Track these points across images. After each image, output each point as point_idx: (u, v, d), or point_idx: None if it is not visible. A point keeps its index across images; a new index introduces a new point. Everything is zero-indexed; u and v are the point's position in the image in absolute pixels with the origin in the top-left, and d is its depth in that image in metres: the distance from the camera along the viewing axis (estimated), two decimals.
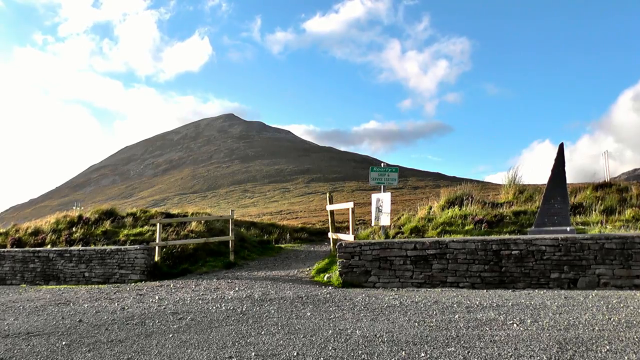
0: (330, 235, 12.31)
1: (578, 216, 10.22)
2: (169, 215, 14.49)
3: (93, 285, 10.20)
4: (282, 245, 15.59)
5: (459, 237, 8.81)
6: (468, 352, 3.76)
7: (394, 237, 10.41)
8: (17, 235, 14.74)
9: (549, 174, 8.92)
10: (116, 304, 6.81)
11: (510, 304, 5.67)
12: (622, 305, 5.37)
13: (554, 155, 9.01)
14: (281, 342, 4.27)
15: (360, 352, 3.88)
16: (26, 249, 12.62)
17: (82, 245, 12.95)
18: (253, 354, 3.93)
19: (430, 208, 11.95)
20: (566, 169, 8.84)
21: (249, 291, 7.57)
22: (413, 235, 10.34)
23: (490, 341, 4.04)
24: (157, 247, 11.53)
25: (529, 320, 4.74)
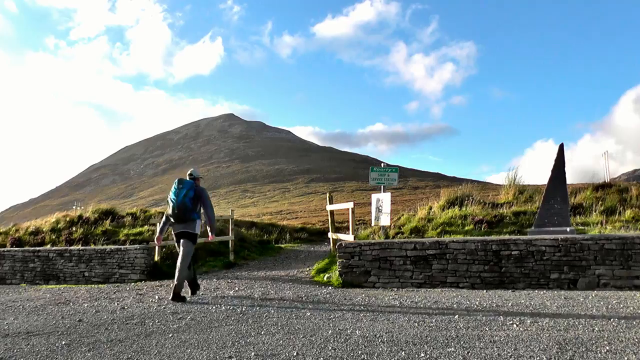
0: (330, 235, 12.30)
1: (578, 217, 10.22)
2: None
3: (93, 285, 10.19)
4: (282, 245, 15.59)
5: (459, 237, 8.81)
6: (468, 352, 3.76)
7: (394, 237, 10.41)
8: (17, 235, 14.75)
9: (549, 174, 8.92)
10: (116, 304, 6.80)
11: (510, 304, 5.68)
12: (622, 305, 5.37)
13: (555, 155, 9.01)
14: (281, 342, 4.27)
15: (359, 352, 3.87)
16: (26, 248, 12.62)
17: (82, 245, 12.95)
18: (253, 353, 3.93)
19: (430, 208, 11.95)
20: (567, 169, 8.84)
21: (248, 291, 7.57)
22: (413, 235, 10.34)
23: (490, 341, 4.04)
24: (156, 247, 11.53)
25: (528, 321, 4.74)
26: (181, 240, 6.93)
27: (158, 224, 7.40)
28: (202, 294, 7.38)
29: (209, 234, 7.18)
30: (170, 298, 6.71)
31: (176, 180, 7.07)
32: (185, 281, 7.09)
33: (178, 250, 7.01)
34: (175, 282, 6.68)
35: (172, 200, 6.89)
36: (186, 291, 7.35)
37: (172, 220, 6.93)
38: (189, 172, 7.27)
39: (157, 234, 7.50)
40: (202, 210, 7.19)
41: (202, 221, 7.38)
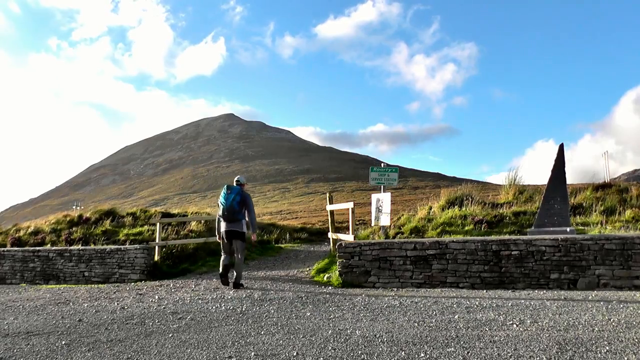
0: (330, 235, 12.30)
1: (578, 217, 10.22)
2: (168, 215, 14.49)
3: (93, 285, 10.20)
4: (282, 245, 15.58)
5: (459, 237, 8.81)
6: (467, 352, 3.76)
7: (394, 237, 10.40)
8: (17, 235, 14.75)
9: (549, 174, 8.92)
10: (116, 304, 6.81)
11: (509, 304, 5.67)
12: (621, 305, 5.37)
13: (555, 155, 9.00)
14: (281, 342, 4.27)
15: (359, 352, 3.87)
16: (26, 248, 12.62)
17: (82, 245, 12.96)
18: (252, 353, 3.93)
19: (430, 208, 11.94)
20: (567, 169, 8.82)
21: (248, 291, 7.57)
22: (413, 235, 10.33)
23: (490, 341, 4.04)
24: (156, 247, 11.53)
25: (528, 321, 4.74)
26: (234, 241, 8.06)
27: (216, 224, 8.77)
28: (202, 294, 7.38)
29: (252, 233, 8.35)
30: (232, 286, 7.93)
31: (225, 185, 8.29)
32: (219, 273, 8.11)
33: (222, 245, 8.22)
34: (235, 274, 7.99)
35: (221, 204, 8.05)
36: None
37: (223, 220, 8.08)
38: (236, 179, 8.48)
39: (217, 233, 8.38)
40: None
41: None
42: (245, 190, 8.34)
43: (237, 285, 7.93)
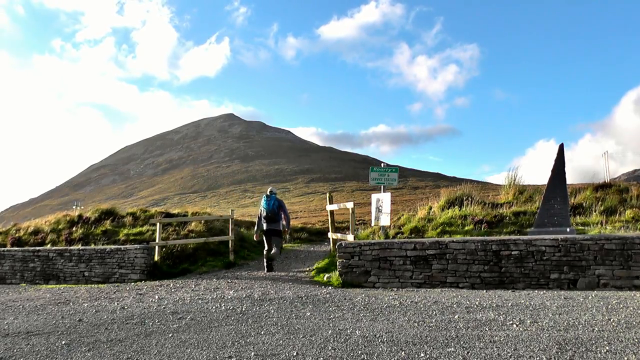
0: (330, 235, 12.30)
1: (578, 217, 10.22)
2: (168, 215, 14.48)
3: (93, 285, 10.20)
4: (282, 245, 15.57)
5: (459, 237, 8.81)
6: (467, 352, 3.77)
7: (394, 237, 10.40)
8: (17, 235, 14.75)
9: (549, 174, 8.92)
10: (116, 304, 6.81)
11: (509, 304, 5.67)
12: (621, 305, 5.37)
13: (556, 155, 9.00)
14: (281, 342, 4.28)
15: (359, 352, 3.88)
16: (26, 248, 12.62)
17: (82, 245, 12.96)
18: (252, 353, 3.93)
19: (430, 208, 11.94)
20: (567, 169, 8.83)
21: (248, 291, 7.57)
22: (413, 235, 10.34)
23: (490, 341, 4.04)
24: (157, 247, 11.53)
25: (528, 321, 4.74)
26: (272, 237, 10.02)
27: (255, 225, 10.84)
28: (202, 294, 7.38)
29: (286, 230, 10.42)
30: (266, 272, 9.96)
31: (264, 195, 10.34)
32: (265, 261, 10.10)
33: (264, 240, 10.17)
34: (272, 260, 10.13)
35: (264, 207, 10.09)
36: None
37: (264, 220, 10.06)
38: (270, 190, 10.47)
39: (255, 232, 10.57)
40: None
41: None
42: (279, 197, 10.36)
43: (271, 269, 10.06)
